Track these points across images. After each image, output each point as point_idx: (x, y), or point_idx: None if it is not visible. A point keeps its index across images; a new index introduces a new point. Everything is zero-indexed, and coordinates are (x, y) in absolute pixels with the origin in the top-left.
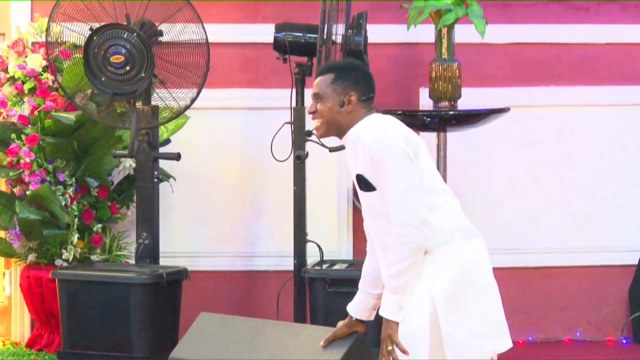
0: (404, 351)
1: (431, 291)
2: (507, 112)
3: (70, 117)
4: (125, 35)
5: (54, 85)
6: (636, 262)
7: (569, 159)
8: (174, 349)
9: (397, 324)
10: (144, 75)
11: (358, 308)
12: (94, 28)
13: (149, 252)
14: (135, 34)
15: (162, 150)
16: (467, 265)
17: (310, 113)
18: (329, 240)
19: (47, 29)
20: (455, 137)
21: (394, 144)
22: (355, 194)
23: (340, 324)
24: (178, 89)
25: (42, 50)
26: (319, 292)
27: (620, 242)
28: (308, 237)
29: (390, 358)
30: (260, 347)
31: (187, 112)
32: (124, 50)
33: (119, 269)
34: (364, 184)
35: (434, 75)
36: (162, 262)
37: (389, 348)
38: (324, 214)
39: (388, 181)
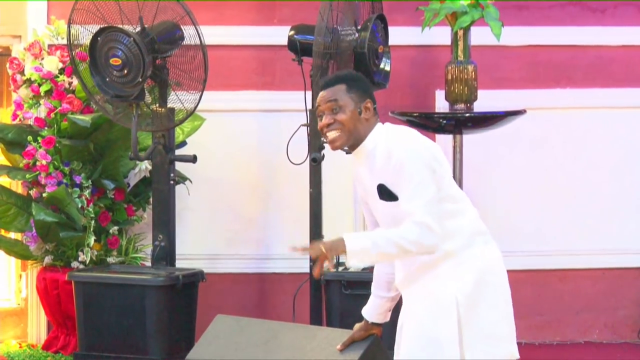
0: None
1: (456, 296)
2: (523, 114)
3: (87, 119)
4: (122, 39)
5: (70, 88)
6: None
7: (585, 161)
8: (190, 351)
9: (344, 248)
10: (140, 80)
11: (373, 312)
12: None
13: (165, 254)
14: (132, 38)
15: (178, 152)
16: (488, 268)
17: (327, 125)
18: None
19: (68, 30)
20: (471, 140)
21: (422, 155)
22: (366, 203)
23: (356, 327)
24: (186, 92)
25: (58, 52)
26: (334, 294)
27: (636, 245)
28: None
29: (315, 250)
30: (276, 349)
31: (203, 114)
32: (120, 53)
33: (135, 271)
34: (386, 194)
35: (449, 77)
36: (178, 264)
37: (322, 249)
38: (340, 216)
39: (410, 189)
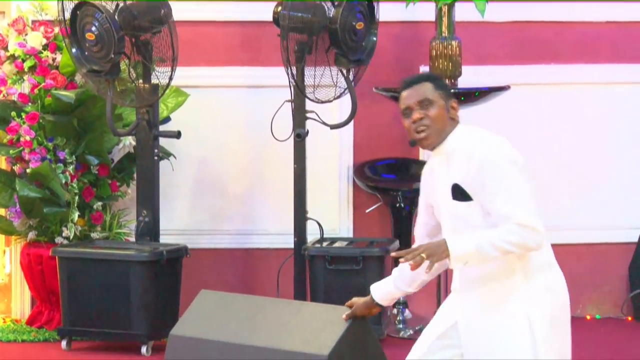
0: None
1: (530, 318)
2: (508, 90)
3: (71, 95)
4: (96, 15)
5: (54, 64)
6: (636, 240)
7: (570, 137)
8: (174, 326)
9: (447, 253)
10: (112, 56)
11: (384, 295)
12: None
13: (149, 229)
14: (104, 14)
15: (162, 128)
16: (560, 294)
17: (418, 119)
18: (329, 218)
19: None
20: None
21: (509, 157)
22: (428, 206)
23: (359, 301)
24: (161, 68)
25: (42, 28)
26: (319, 269)
27: (621, 220)
28: (308, 215)
29: (416, 259)
30: (260, 324)
31: (187, 90)
32: (94, 29)
33: (119, 247)
34: (460, 194)
35: (434, 53)
36: (163, 239)
37: (423, 255)
38: (324, 192)
39: (504, 192)
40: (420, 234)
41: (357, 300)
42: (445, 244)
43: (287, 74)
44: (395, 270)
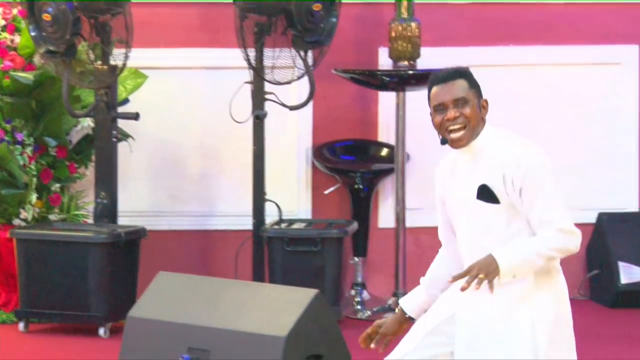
0: (490, 287)
1: (534, 322)
2: None
3: (29, 76)
4: None
5: (12, 45)
6: (594, 221)
7: (528, 118)
8: (132, 308)
9: (499, 272)
10: (68, 37)
11: (417, 307)
12: None
13: (108, 211)
14: None
15: (120, 110)
16: (565, 301)
17: (453, 119)
18: (288, 200)
19: None
20: (415, 97)
21: (546, 161)
22: (444, 204)
23: (388, 320)
24: (120, 49)
25: (0, 9)
26: (277, 251)
27: (578, 201)
28: (267, 197)
29: (477, 280)
30: (219, 305)
31: (146, 72)
32: (50, 10)
33: (77, 229)
34: (488, 195)
35: (393, 34)
36: (121, 221)
37: (481, 276)
38: (283, 174)
39: (544, 196)
40: (445, 232)
41: (384, 322)
42: (494, 260)
43: (243, 55)
44: (425, 280)
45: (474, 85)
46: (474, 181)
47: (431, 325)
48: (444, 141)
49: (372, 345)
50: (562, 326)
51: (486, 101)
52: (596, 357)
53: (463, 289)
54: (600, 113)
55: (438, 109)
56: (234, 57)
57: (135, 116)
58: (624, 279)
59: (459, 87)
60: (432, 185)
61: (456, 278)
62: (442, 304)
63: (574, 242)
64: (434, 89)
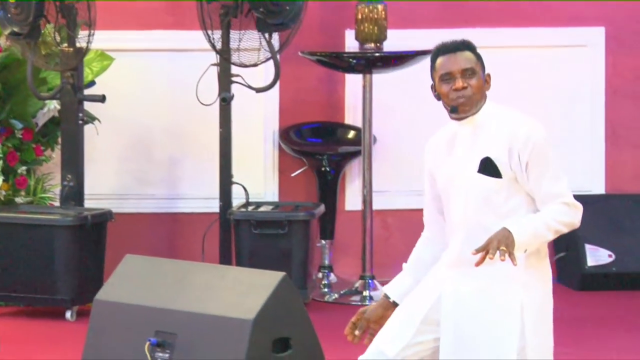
0: (512, 259)
1: (523, 303)
2: None
3: None
4: None
5: None
6: None
7: (495, 100)
8: (99, 291)
9: (514, 241)
10: (31, 19)
11: (402, 292)
12: None
13: (74, 194)
14: None
15: (87, 92)
16: (549, 284)
17: (461, 88)
18: (255, 183)
19: None
20: (381, 79)
21: (549, 138)
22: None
23: (371, 307)
24: (86, 31)
25: None
26: (244, 233)
27: None
28: (234, 179)
29: (498, 254)
30: (186, 288)
31: (113, 54)
32: None
33: (44, 212)
34: (491, 168)
35: (359, 16)
36: (87, 204)
37: (502, 248)
38: (250, 156)
39: (552, 171)
40: (432, 210)
41: (368, 308)
42: (510, 233)
43: (206, 37)
44: (408, 264)
45: (479, 58)
46: (475, 154)
47: (420, 314)
48: (454, 109)
49: (357, 332)
50: (546, 310)
51: (489, 75)
52: (562, 339)
53: (478, 264)
54: (567, 95)
55: (445, 78)
56: (201, 39)
57: (101, 98)
58: (591, 262)
59: (467, 58)
60: (421, 159)
61: (478, 251)
62: (428, 286)
63: (578, 217)
64: (441, 59)
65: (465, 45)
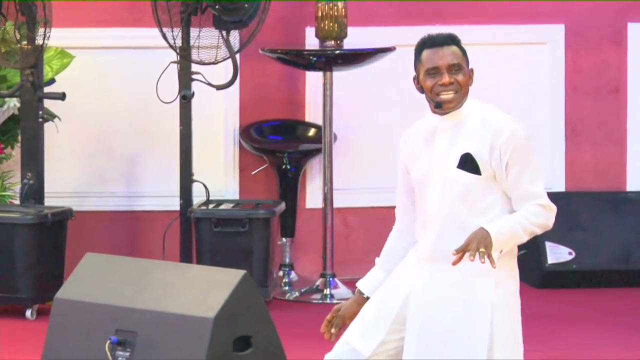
0: (491, 262)
1: (494, 302)
2: (393, 51)
3: None
4: None
5: None
6: None
7: None
8: (59, 290)
9: (491, 241)
10: None
11: (376, 288)
12: None
13: (34, 192)
14: None
15: (47, 90)
16: (517, 281)
17: (448, 84)
18: (216, 180)
19: None
20: (342, 77)
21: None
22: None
23: (346, 303)
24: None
25: None
26: (205, 232)
27: None
28: (194, 177)
29: (478, 256)
30: (147, 287)
31: (73, 52)
32: None
33: (3, 210)
34: (471, 164)
35: (320, 14)
36: (48, 202)
37: (482, 250)
38: (210, 154)
39: (531, 171)
40: (404, 203)
41: (342, 304)
42: (488, 233)
43: (162, 34)
44: (381, 259)
45: (465, 53)
46: (455, 149)
47: (392, 311)
48: (438, 104)
49: (333, 331)
50: (515, 308)
51: (472, 70)
52: (523, 337)
53: (455, 263)
54: (527, 93)
55: (431, 72)
56: (160, 36)
57: (61, 96)
58: (551, 259)
59: (454, 52)
60: (397, 150)
61: (458, 251)
62: (398, 280)
63: (552, 219)
64: (427, 52)
65: (452, 40)
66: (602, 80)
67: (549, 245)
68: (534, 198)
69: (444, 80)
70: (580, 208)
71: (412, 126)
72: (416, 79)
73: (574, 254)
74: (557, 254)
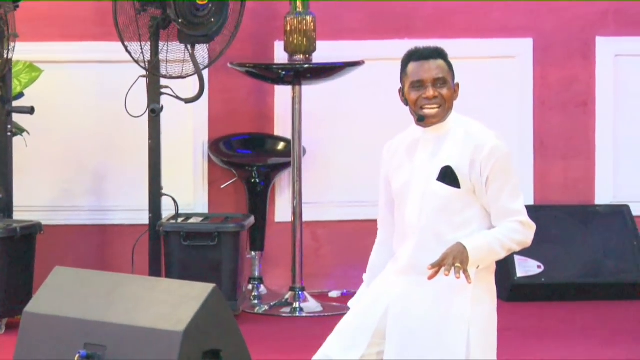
0: (467, 277)
1: (471, 317)
2: (362, 65)
3: None
4: None
5: None
6: None
7: None
8: (28, 304)
9: (468, 257)
10: None
11: None
12: None
13: (3, 206)
14: None
15: (15, 104)
16: (495, 297)
17: (432, 97)
18: (185, 194)
19: None
20: (311, 91)
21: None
22: (388, 183)
23: None
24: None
25: None
26: (174, 245)
27: None
28: (163, 191)
29: (453, 271)
30: (116, 300)
31: (42, 66)
32: None
33: None
34: (451, 178)
35: (288, 28)
36: (16, 216)
37: (457, 265)
38: (179, 168)
39: (511, 188)
40: (386, 215)
41: None
42: (465, 249)
43: (124, 49)
44: (367, 274)
45: (451, 67)
46: (436, 162)
47: (372, 325)
48: (421, 118)
49: None
50: (492, 325)
51: (458, 85)
52: None
53: (431, 278)
54: (496, 106)
55: (416, 85)
56: (131, 50)
57: (30, 110)
58: (520, 273)
59: (440, 66)
60: (380, 161)
61: (434, 266)
62: (378, 293)
63: (531, 236)
64: (413, 65)
65: (439, 53)
66: (571, 94)
67: (517, 258)
68: (514, 215)
69: (427, 94)
70: (549, 222)
71: (395, 137)
72: (401, 91)
73: (542, 267)
74: (526, 267)
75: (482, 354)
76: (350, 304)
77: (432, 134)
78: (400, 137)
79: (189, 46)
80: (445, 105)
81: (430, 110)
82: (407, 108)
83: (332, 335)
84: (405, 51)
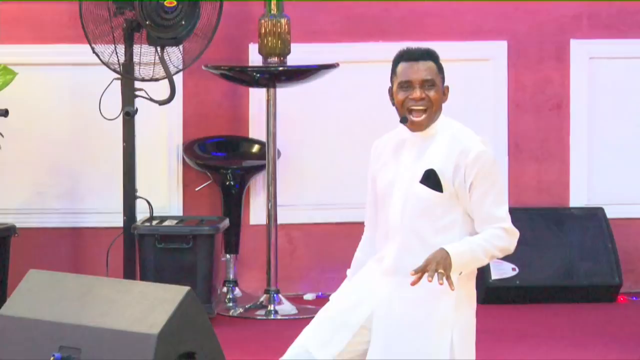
0: (450, 284)
1: (454, 321)
2: (336, 67)
3: None
4: None
5: None
6: None
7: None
8: (2, 307)
9: (451, 262)
10: None
11: None
12: None
13: None
14: None
15: None
16: (475, 300)
17: (419, 99)
18: (159, 197)
19: None
20: (285, 93)
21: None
22: (374, 181)
23: None
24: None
25: None
26: (148, 248)
27: None
28: (138, 194)
29: (437, 277)
30: (91, 303)
31: (16, 68)
32: None
33: None
34: (433, 181)
35: (263, 30)
36: None
37: (441, 271)
38: (154, 170)
39: (495, 194)
40: (372, 214)
41: None
42: (448, 255)
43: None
44: (351, 272)
45: (441, 70)
46: (420, 164)
47: (355, 321)
48: (404, 119)
49: None
50: (472, 328)
51: (447, 88)
52: None
53: (414, 284)
54: (470, 109)
55: (404, 85)
56: (104, 53)
57: (4, 113)
58: (495, 275)
59: (429, 68)
60: (368, 160)
61: (417, 272)
62: (361, 290)
63: (514, 243)
64: (403, 65)
65: (429, 55)
66: (545, 96)
67: (492, 261)
68: (497, 221)
69: (415, 95)
70: (523, 224)
71: (383, 135)
72: (390, 91)
73: (517, 269)
74: (501, 269)
75: (463, 357)
76: (332, 298)
77: (419, 135)
78: (389, 135)
79: (158, 48)
80: (432, 108)
81: (417, 117)
82: (384, 111)
83: (310, 326)
84: (380, 54)
